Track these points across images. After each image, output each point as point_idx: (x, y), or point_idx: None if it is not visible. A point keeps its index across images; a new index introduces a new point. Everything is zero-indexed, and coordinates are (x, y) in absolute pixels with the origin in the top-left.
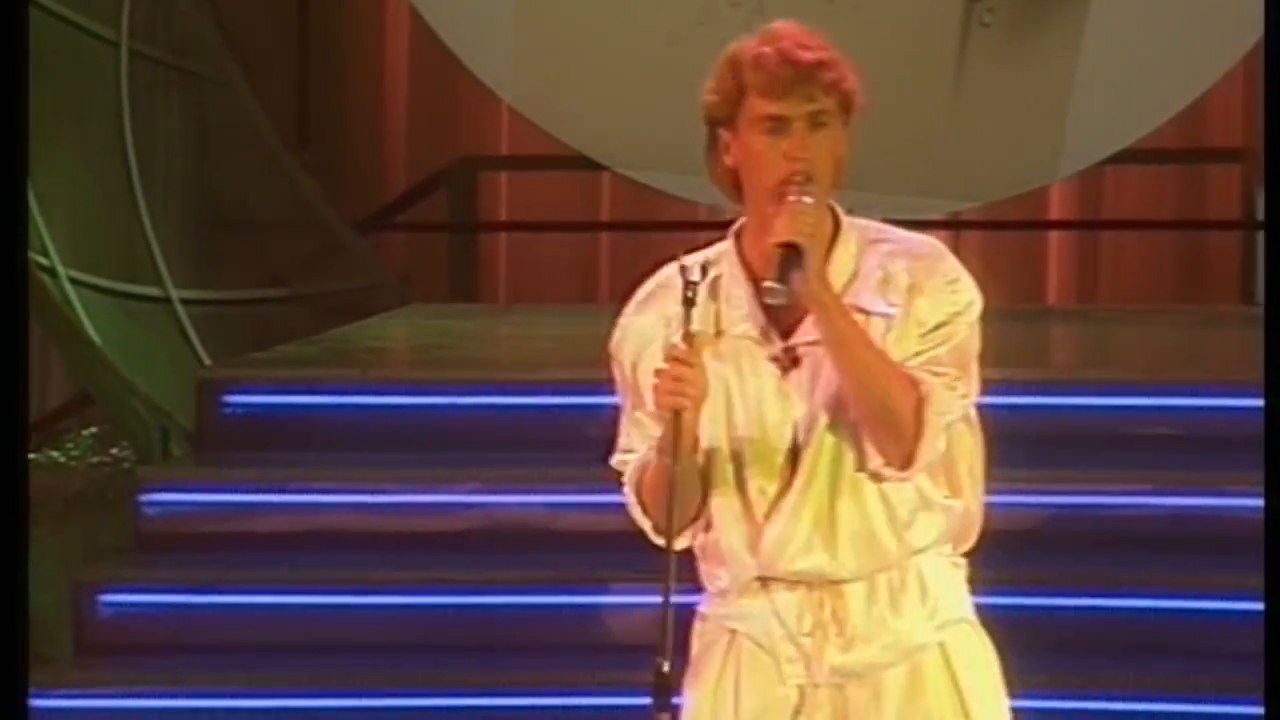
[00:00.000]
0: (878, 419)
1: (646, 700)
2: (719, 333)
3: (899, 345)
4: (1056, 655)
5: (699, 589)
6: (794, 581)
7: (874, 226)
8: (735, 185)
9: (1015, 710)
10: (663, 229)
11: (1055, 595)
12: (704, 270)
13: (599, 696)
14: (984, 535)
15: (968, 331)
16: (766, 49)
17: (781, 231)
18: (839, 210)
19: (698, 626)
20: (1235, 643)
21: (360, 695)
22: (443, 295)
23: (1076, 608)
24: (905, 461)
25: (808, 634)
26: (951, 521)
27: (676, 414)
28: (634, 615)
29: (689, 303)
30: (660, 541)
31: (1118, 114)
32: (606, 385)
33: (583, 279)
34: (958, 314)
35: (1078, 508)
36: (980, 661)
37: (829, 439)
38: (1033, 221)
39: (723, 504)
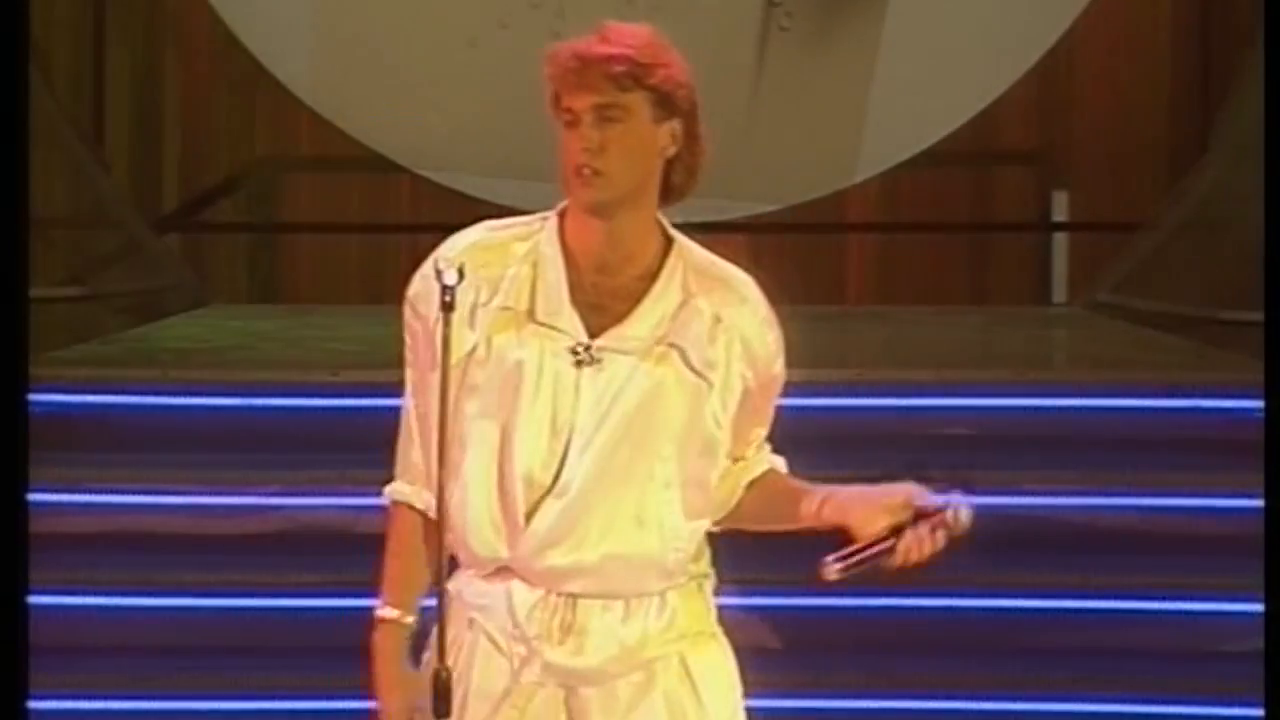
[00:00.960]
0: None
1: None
2: (524, 312)
3: (723, 399)
4: (856, 654)
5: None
6: (535, 583)
7: (697, 253)
8: None
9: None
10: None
11: (859, 595)
12: (460, 274)
13: None
14: (775, 534)
15: (779, 385)
16: (564, 44)
17: (905, 545)
18: (667, 227)
19: (446, 604)
20: (1043, 638)
21: (162, 698)
22: (242, 296)
23: (882, 607)
24: (716, 510)
25: (536, 636)
26: (704, 544)
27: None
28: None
29: (447, 307)
30: None
31: (914, 117)
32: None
33: (383, 280)
34: (778, 376)
35: None
36: (722, 671)
37: (617, 455)
38: (830, 224)
39: (480, 485)
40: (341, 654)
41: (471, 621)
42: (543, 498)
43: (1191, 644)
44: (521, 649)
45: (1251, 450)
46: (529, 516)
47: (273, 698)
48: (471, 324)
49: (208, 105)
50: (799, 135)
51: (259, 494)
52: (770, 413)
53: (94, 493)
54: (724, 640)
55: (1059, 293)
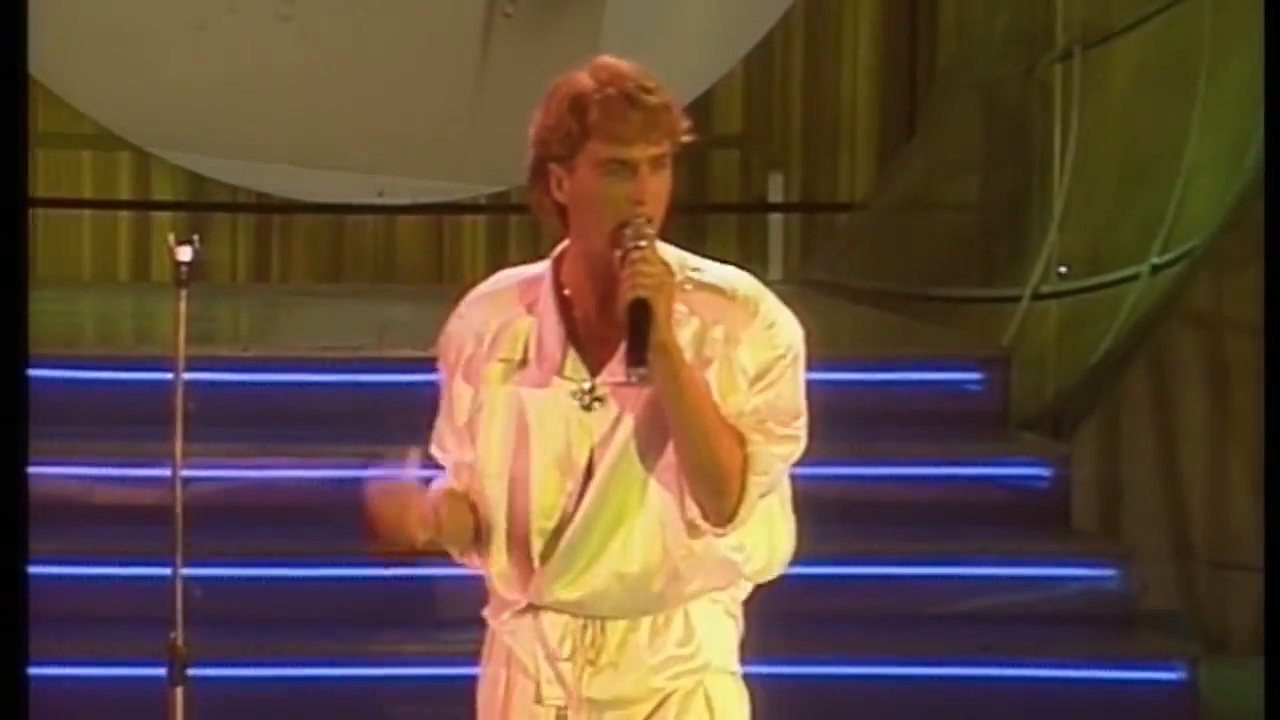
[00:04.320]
0: (704, 475)
1: (161, 672)
2: (524, 361)
3: (723, 399)
4: None
5: (213, 562)
6: (559, 611)
7: (688, 262)
8: (561, 216)
9: None
10: (208, 209)
11: None
12: (195, 252)
13: (127, 667)
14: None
15: (790, 374)
16: (611, 91)
17: (629, 289)
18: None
19: (488, 637)
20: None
21: None
22: None
23: None
24: (723, 519)
25: (566, 659)
26: (732, 572)
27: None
28: (162, 587)
29: (180, 283)
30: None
31: None
32: (143, 361)
33: (114, 257)
34: (779, 358)
35: None
36: (740, 711)
37: (620, 485)
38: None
39: (499, 527)
40: (73, 622)
41: (509, 656)
42: (553, 537)
43: (906, 607)
44: (550, 672)
45: (959, 420)
46: (543, 558)
47: None
48: (469, 377)
49: None
50: (523, 118)
51: None
52: (780, 400)
53: None
54: (743, 684)
55: (774, 270)
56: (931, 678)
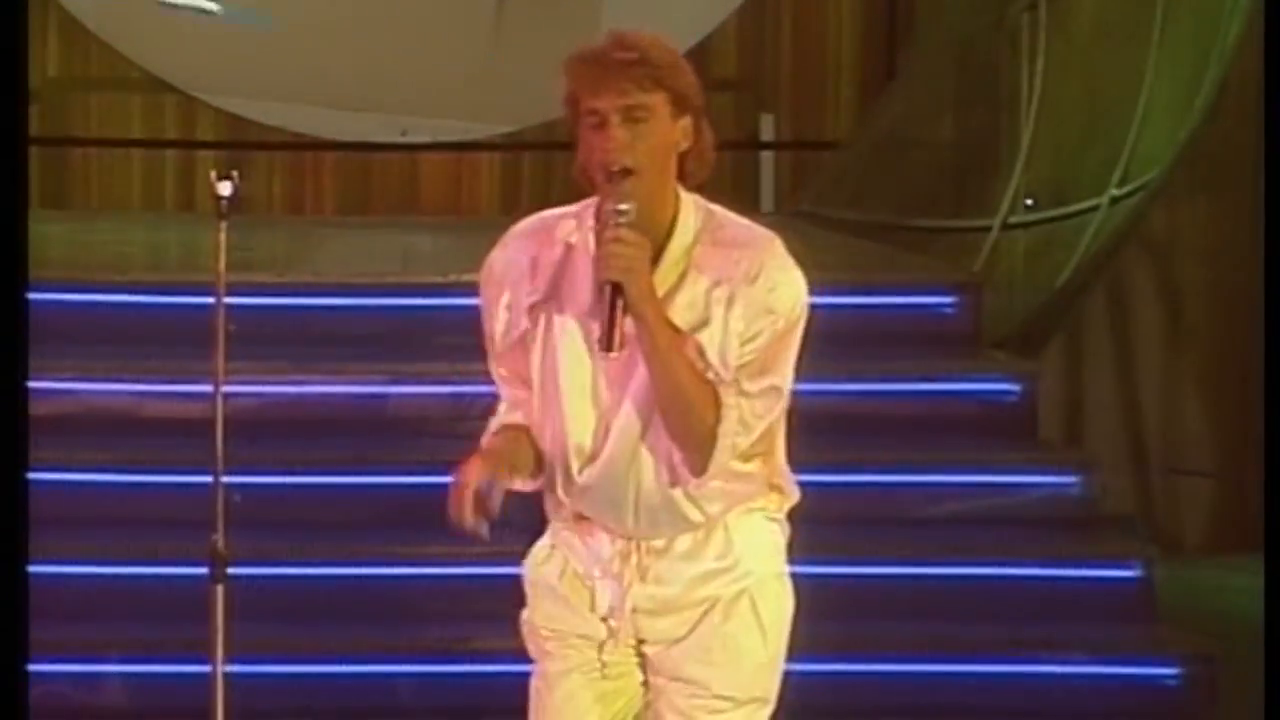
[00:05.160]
0: (680, 430)
1: (203, 571)
2: (554, 297)
3: (719, 353)
4: None
5: (251, 471)
6: (608, 531)
7: (715, 216)
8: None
9: None
10: (246, 148)
11: None
12: (234, 186)
13: (172, 566)
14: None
15: (784, 331)
16: (587, 50)
17: (602, 270)
18: (682, 195)
19: (546, 541)
20: None
21: None
22: (34, 201)
23: None
24: (698, 472)
25: (616, 571)
26: (750, 485)
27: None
28: (204, 493)
29: (221, 215)
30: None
31: None
32: (187, 286)
33: (160, 191)
34: (774, 319)
35: None
36: (784, 610)
37: (637, 422)
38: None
39: (552, 443)
40: (111, 524)
41: (566, 555)
42: (587, 462)
43: (886, 511)
44: (602, 578)
45: (935, 340)
46: (580, 474)
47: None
48: (514, 306)
49: None
50: (538, 63)
51: (55, 379)
52: (762, 359)
53: None
54: (789, 583)
55: (766, 203)
56: (909, 576)
